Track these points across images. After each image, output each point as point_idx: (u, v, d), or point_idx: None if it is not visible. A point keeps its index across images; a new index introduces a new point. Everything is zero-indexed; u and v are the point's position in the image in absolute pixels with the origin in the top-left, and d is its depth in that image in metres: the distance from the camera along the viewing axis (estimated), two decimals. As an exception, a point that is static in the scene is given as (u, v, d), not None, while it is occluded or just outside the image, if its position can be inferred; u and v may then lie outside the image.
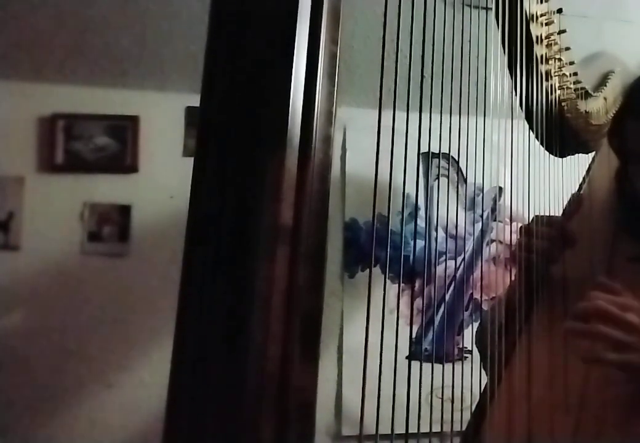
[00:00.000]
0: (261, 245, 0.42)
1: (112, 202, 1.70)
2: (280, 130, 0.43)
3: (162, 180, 1.69)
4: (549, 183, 1.01)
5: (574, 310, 0.82)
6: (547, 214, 1.02)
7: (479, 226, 1.85)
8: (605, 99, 1.11)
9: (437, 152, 0.73)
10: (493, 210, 1.81)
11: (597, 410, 0.84)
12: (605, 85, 1.13)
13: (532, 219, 1.00)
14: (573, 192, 1.12)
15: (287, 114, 0.43)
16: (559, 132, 1.02)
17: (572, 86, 1.03)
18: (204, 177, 0.44)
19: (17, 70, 1.66)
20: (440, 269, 1.73)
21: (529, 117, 0.98)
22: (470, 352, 1.35)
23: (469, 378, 0.84)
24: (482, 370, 0.97)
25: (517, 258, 0.98)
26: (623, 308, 0.80)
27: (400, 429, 0.62)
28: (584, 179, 1.19)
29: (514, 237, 1.03)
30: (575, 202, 1.06)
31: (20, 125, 1.67)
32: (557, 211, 1.06)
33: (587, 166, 1.21)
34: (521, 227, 1.01)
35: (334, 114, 0.46)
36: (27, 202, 1.66)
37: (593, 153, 1.21)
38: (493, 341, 0.87)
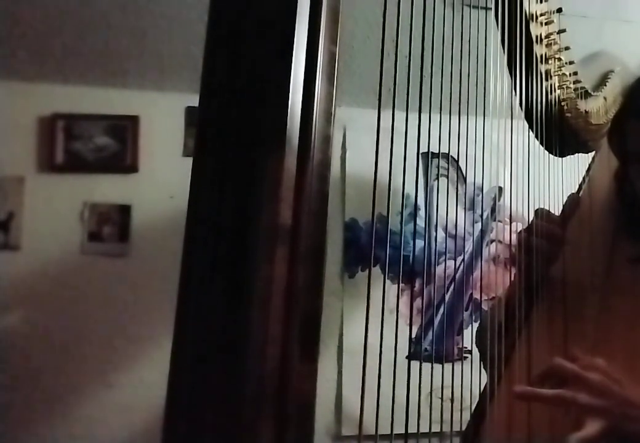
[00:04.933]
0: (260, 246, 0.42)
1: (112, 202, 1.70)
2: (279, 130, 0.43)
3: (162, 180, 1.69)
4: (548, 183, 1.01)
5: (533, 378, 0.77)
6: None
7: (478, 226, 1.85)
8: (605, 98, 1.11)
9: (437, 152, 0.73)
10: (493, 210, 1.81)
11: None
12: (605, 85, 1.13)
13: (536, 211, 1.00)
14: (573, 191, 1.12)
15: (286, 114, 0.43)
16: (559, 131, 1.02)
17: (571, 85, 1.03)
18: (202, 177, 0.44)
19: (17, 70, 1.66)
20: (440, 269, 1.73)
21: (528, 117, 0.98)
22: (470, 352, 1.35)
23: (468, 378, 0.84)
24: (482, 370, 0.97)
25: (517, 259, 0.98)
26: (585, 367, 0.76)
27: (399, 429, 0.62)
28: (584, 178, 1.19)
29: (514, 237, 1.02)
30: (573, 203, 1.05)
31: (20, 125, 1.67)
32: (557, 211, 1.06)
33: (587, 166, 1.21)
34: (521, 230, 1.01)
35: (333, 114, 0.46)
36: (27, 202, 1.66)
37: (593, 153, 1.21)
38: (493, 341, 0.87)
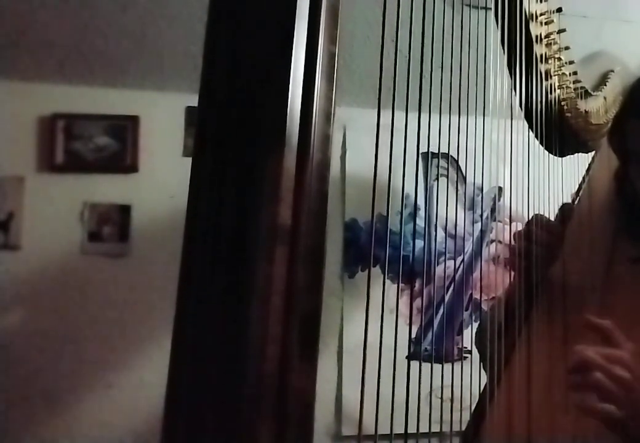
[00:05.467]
0: (259, 246, 0.42)
1: (112, 202, 1.70)
2: (279, 130, 0.43)
3: (162, 180, 1.69)
4: (548, 183, 1.01)
5: (569, 367, 0.79)
6: (546, 214, 1.02)
7: (478, 226, 1.85)
8: (605, 98, 1.11)
9: (437, 151, 0.73)
10: (493, 210, 1.81)
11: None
12: (605, 85, 1.13)
13: (532, 218, 1.00)
14: (572, 192, 1.12)
15: (286, 114, 0.43)
16: (559, 131, 1.02)
17: (571, 85, 1.03)
18: (202, 177, 0.44)
19: (17, 70, 1.66)
20: (440, 269, 1.73)
21: (528, 117, 0.98)
22: (470, 352, 1.35)
23: (468, 378, 0.84)
24: (482, 370, 0.97)
25: (515, 263, 0.98)
26: (610, 360, 0.78)
27: (399, 429, 0.62)
28: (583, 178, 1.19)
29: (512, 241, 1.02)
30: (567, 213, 1.05)
31: (20, 125, 1.67)
32: (556, 211, 1.06)
33: (587, 166, 1.21)
34: (518, 232, 1.01)
35: (332, 114, 0.46)
36: (27, 202, 1.66)
37: (593, 152, 1.21)
38: (493, 341, 0.87)
